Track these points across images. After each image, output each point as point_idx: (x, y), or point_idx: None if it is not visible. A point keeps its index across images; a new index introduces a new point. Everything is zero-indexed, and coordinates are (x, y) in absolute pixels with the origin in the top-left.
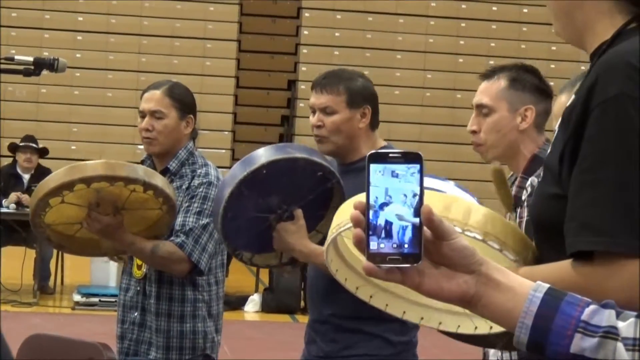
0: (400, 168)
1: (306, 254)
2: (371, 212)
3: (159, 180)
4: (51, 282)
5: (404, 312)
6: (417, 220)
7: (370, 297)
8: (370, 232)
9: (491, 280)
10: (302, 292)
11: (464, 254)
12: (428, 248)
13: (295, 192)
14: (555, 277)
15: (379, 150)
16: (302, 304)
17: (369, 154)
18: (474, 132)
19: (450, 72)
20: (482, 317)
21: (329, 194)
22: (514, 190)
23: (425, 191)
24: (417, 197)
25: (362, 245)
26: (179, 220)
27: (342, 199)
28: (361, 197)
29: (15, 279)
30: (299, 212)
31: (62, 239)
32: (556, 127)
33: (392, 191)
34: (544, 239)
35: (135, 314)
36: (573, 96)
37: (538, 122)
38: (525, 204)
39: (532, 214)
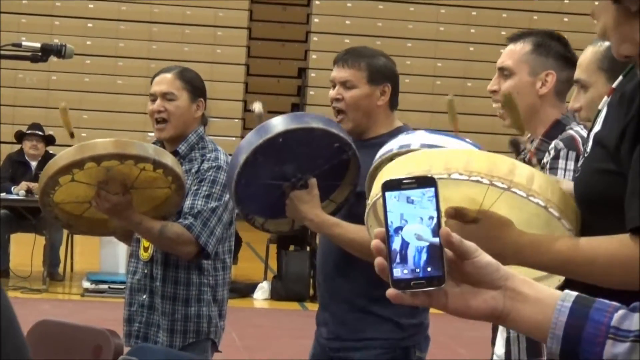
0: (415, 194)
1: (317, 224)
2: (392, 239)
3: (168, 159)
4: (61, 269)
5: None
6: (436, 240)
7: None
8: (392, 259)
9: (519, 294)
10: (311, 280)
11: (488, 270)
12: (450, 267)
13: (311, 161)
14: (615, 249)
15: (393, 178)
16: (312, 291)
17: (382, 182)
18: (494, 91)
19: (461, 61)
20: (513, 329)
21: (345, 165)
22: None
23: (489, 153)
24: (434, 220)
25: (385, 273)
26: (188, 203)
27: (358, 171)
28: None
29: (25, 265)
30: (313, 182)
31: (70, 218)
32: (581, 77)
33: (407, 216)
34: (590, 213)
35: (144, 296)
36: (621, 77)
37: (559, 89)
38: (549, 166)
39: (578, 189)
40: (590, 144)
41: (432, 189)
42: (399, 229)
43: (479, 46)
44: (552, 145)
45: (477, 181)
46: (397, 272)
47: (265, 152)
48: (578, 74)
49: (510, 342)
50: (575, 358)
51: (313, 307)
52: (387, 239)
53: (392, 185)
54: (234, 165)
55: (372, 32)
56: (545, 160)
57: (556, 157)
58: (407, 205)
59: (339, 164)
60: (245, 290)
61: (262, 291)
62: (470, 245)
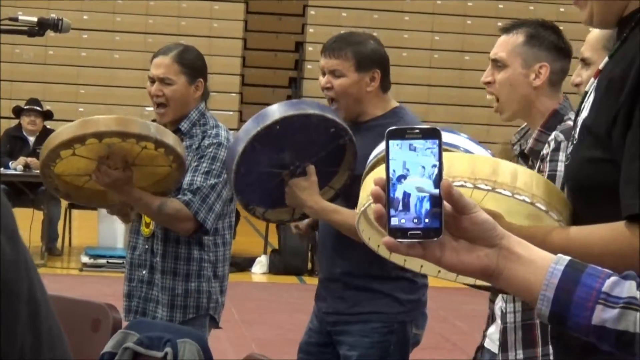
0: (418, 143)
1: (317, 211)
2: (391, 187)
3: (170, 138)
4: (59, 244)
5: (421, 266)
6: (436, 191)
7: (391, 254)
8: (391, 208)
9: (513, 254)
10: (309, 254)
11: (485, 228)
12: (448, 222)
13: (308, 148)
14: (610, 238)
15: (398, 127)
16: (310, 265)
17: (388, 130)
18: (488, 83)
19: (459, 34)
20: (504, 289)
21: (342, 151)
22: (530, 143)
23: (470, 155)
24: (435, 169)
25: (383, 220)
26: (187, 179)
27: (355, 156)
28: (382, 173)
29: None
30: (311, 168)
31: (70, 189)
32: (586, 54)
33: (409, 164)
34: (582, 201)
35: (144, 271)
36: (606, 59)
37: (553, 80)
38: (549, 158)
39: (569, 177)
40: (578, 130)
41: (436, 140)
42: (401, 177)
43: (476, 19)
44: (552, 136)
45: (461, 186)
46: (395, 220)
47: (263, 139)
48: (583, 50)
49: (507, 332)
50: (564, 321)
51: (311, 281)
52: (387, 187)
53: (396, 133)
54: (233, 155)
55: (369, 6)
56: (545, 151)
57: (557, 149)
58: (410, 153)
59: (336, 149)
60: (243, 264)
61: (261, 265)
62: (469, 200)
